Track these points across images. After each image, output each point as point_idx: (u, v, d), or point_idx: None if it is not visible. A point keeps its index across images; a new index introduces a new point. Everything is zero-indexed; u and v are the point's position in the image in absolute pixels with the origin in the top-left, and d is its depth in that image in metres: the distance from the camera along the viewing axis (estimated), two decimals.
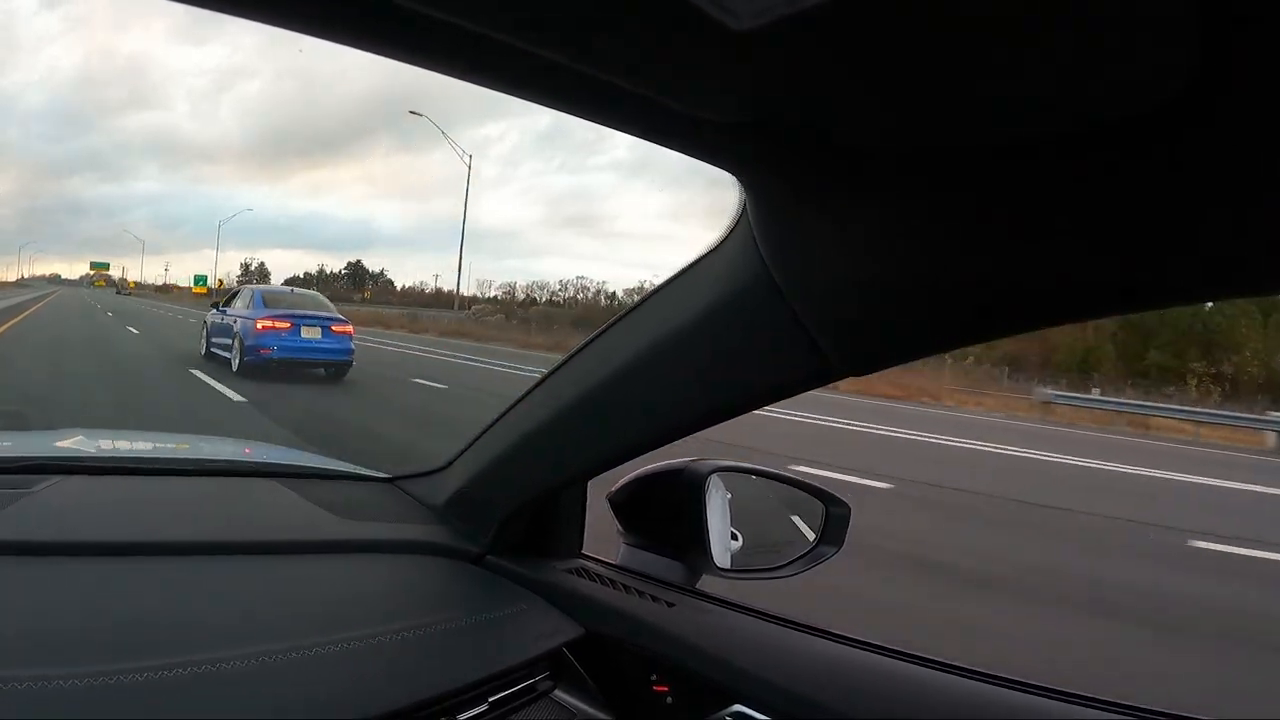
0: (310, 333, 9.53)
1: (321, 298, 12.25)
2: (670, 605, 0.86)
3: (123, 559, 0.84)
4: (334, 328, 9.82)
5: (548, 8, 0.38)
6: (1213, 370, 23.15)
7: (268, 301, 10.18)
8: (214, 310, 11.23)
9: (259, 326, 9.38)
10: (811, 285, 0.60)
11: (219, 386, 8.10)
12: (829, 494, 0.98)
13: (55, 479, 0.97)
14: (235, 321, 9.91)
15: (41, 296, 35.05)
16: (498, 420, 0.97)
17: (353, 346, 9.99)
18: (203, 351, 10.82)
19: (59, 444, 1.22)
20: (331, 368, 9.67)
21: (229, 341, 9.91)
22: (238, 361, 9.47)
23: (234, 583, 0.84)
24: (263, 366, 9.15)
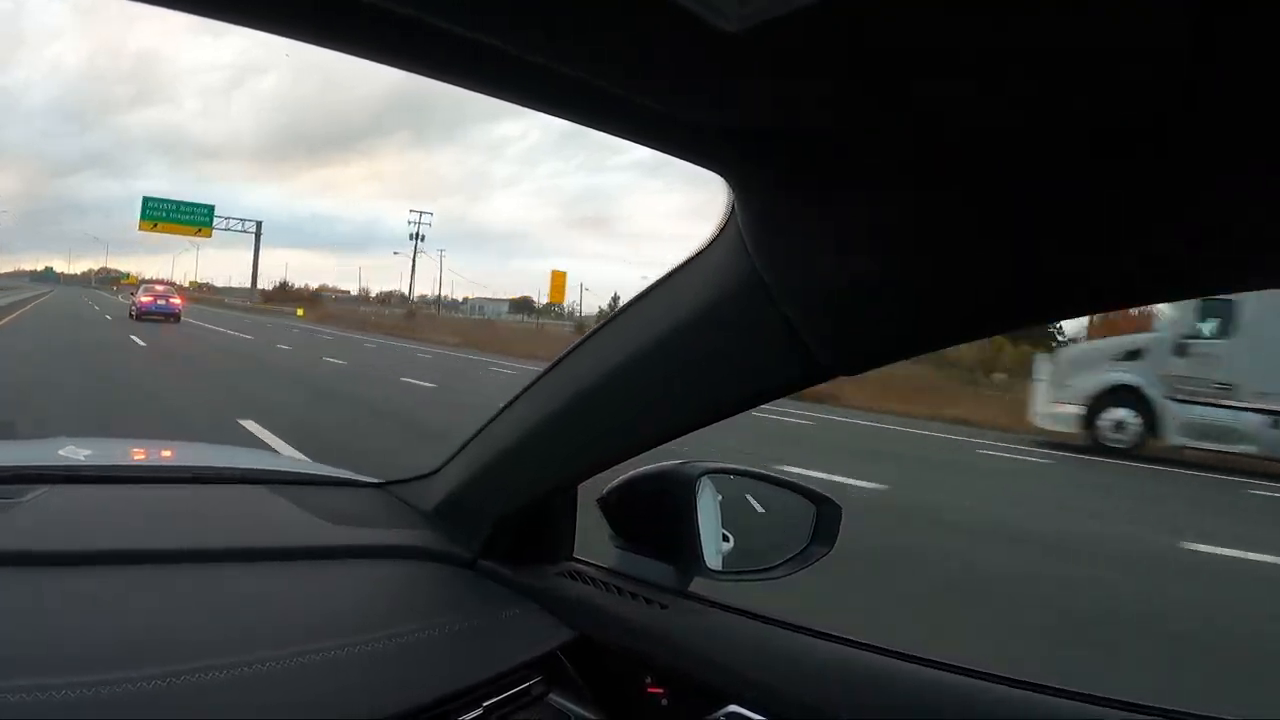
0: (161, 301, 25.65)
1: (170, 288, 30.02)
2: (663, 607, 0.86)
3: (113, 568, 0.83)
4: (170, 299, 26.28)
5: (536, 10, 0.38)
6: None
7: (145, 289, 27.60)
8: (131, 294, 30.88)
9: (142, 299, 25.82)
10: (800, 286, 0.60)
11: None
12: (820, 494, 0.98)
13: (44, 488, 0.96)
14: (137, 298, 26.45)
15: None
16: (488, 425, 0.96)
17: (179, 307, 26.29)
18: (129, 313, 25.02)
19: (48, 453, 1.21)
20: (172, 317, 24.62)
21: (133, 305, 25.11)
22: (135, 314, 24.35)
23: (224, 590, 0.83)
24: (140, 315, 23.90)
